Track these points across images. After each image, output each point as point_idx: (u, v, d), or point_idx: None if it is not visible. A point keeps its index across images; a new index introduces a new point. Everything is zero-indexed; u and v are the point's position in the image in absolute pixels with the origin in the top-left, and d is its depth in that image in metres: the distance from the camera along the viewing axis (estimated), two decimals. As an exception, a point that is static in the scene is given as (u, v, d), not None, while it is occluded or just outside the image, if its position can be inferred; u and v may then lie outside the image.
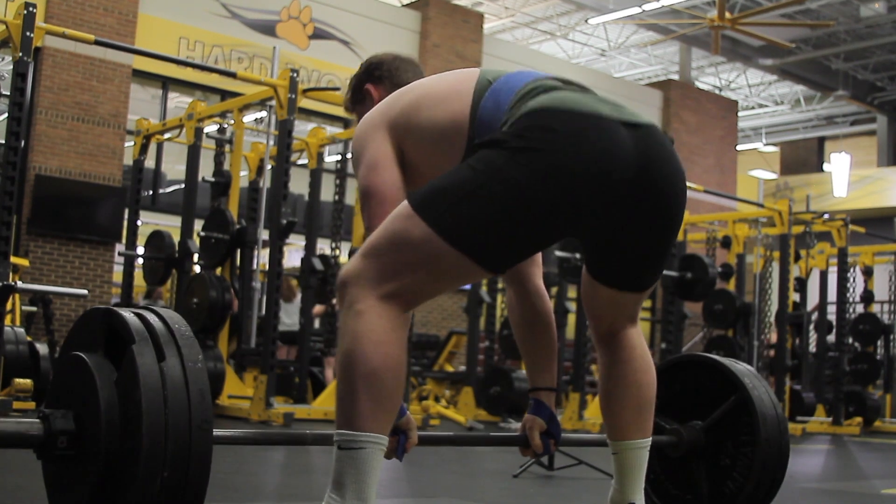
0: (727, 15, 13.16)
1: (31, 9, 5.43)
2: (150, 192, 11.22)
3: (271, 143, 7.33)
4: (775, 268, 9.90)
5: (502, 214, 1.81)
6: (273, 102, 6.79)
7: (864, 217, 14.69)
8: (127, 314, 1.82)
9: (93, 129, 10.44)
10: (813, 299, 11.22)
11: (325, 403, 6.63)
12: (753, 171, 22.22)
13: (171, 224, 8.96)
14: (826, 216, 10.31)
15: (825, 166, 22.62)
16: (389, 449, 2.11)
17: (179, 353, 1.76)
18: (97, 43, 6.15)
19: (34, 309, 8.83)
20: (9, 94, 5.40)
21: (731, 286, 10.02)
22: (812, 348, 10.90)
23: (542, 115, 1.83)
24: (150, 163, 9.77)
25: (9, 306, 5.89)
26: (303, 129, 10.12)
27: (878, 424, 10.26)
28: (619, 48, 18.32)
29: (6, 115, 5.36)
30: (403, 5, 14.34)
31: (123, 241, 8.49)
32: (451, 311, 12.70)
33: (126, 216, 8.22)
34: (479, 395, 8.30)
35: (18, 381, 5.53)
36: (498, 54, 14.62)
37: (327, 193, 8.83)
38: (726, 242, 10.31)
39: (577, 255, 7.90)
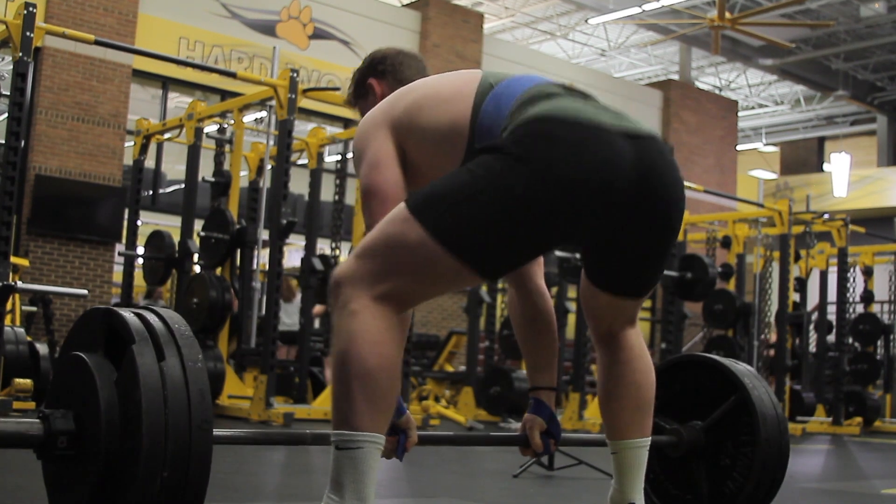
0: (727, 15, 13.16)
1: (31, 9, 5.42)
2: (150, 192, 11.22)
3: (271, 143, 7.33)
4: (775, 268, 9.90)
5: (500, 221, 1.81)
6: (273, 102, 6.79)
7: (864, 217, 14.69)
8: (127, 314, 1.82)
9: (93, 129, 10.44)
10: (813, 299, 11.22)
11: (325, 403, 6.63)
12: (753, 171, 22.23)
13: (171, 224, 8.95)
14: (826, 216, 10.31)
15: (825, 166, 22.62)
16: (389, 448, 2.11)
17: (179, 352, 1.76)
18: (97, 43, 6.15)
19: (34, 309, 8.83)
20: (9, 94, 5.40)
21: (731, 286, 10.02)
22: (812, 348, 10.90)
23: (542, 123, 1.83)
24: (150, 163, 9.77)
25: (9, 306, 5.89)
26: (303, 129, 10.12)
27: (878, 424, 10.26)
28: (619, 48, 18.32)
29: (6, 115, 5.36)
30: (403, 5, 14.34)
31: (123, 241, 8.48)
32: (451, 311, 12.69)
33: (126, 216, 8.22)
34: (479, 395, 8.30)
35: (18, 381, 5.53)
36: (498, 54, 14.61)
37: (327, 193, 8.83)
38: (726, 242, 10.31)
39: (577, 255, 7.90)
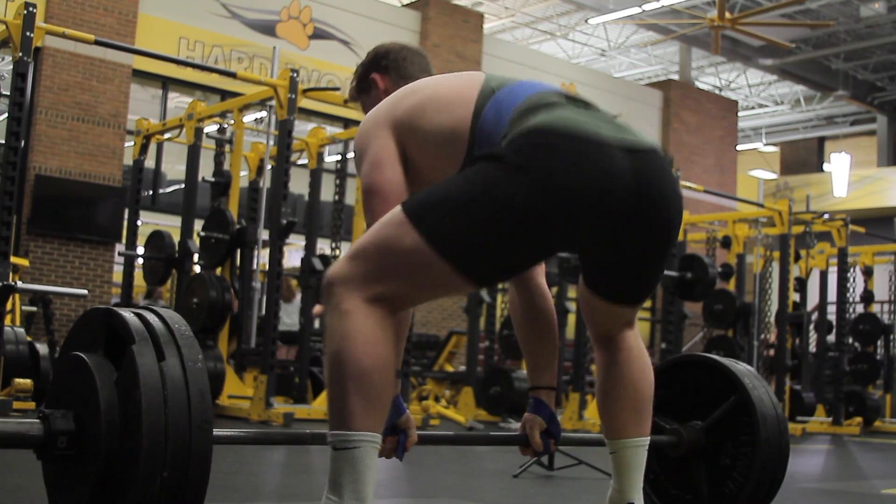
0: (727, 15, 13.16)
1: (31, 9, 5.42)
2: (150, 192, 11.22)
3: (271, 143, 7.33)
4: (775, 268, 9.90)
5: (495, 230, 1.81)
6: (273, 102, 6.79)
7: (864, 217, 14.69)
8: (127, 314, 1.82)
9: (93, 129, 10.44)
10: (813, 299, 11.22)
11: (325, 403, 6.61)
12: (753, 171, 22.23)
13: (171, 224, 8.95)
14: (826, 216, 10.31)
15: (825, 166, 22.62)
16: (389, 448, 2.11)
17: (179, 353, 1.76)
18: (97, 43, 6.15)
19: (34, 309, 8.83)
20: (9, 94, 5.40)
21: (731, 286, 10.02)
22: (812, 348, 10.90)
23: (541, 134, 1.83)
24: (150, 163, 9.77)
25: (9, 306, 5.89)
26: (303, 129, 10.12)
27: (878, 424, 10.26)
28: (619, 48, 18.32)
29: (6, 115, 5.36)
30: (403, 5, 14.34)
31: (123, 241, 8.48)
32: (451, 311, 12.69)
33: (126, 216, 8.22)
34: (479, 395, 8.30)
35: (18, 381, 5.53)
36: (498, 54, 14.61)
37: (327, 193, 8.83)
38: (726, 242, 10.31)
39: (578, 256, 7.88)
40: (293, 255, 12.19)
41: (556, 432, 2.26)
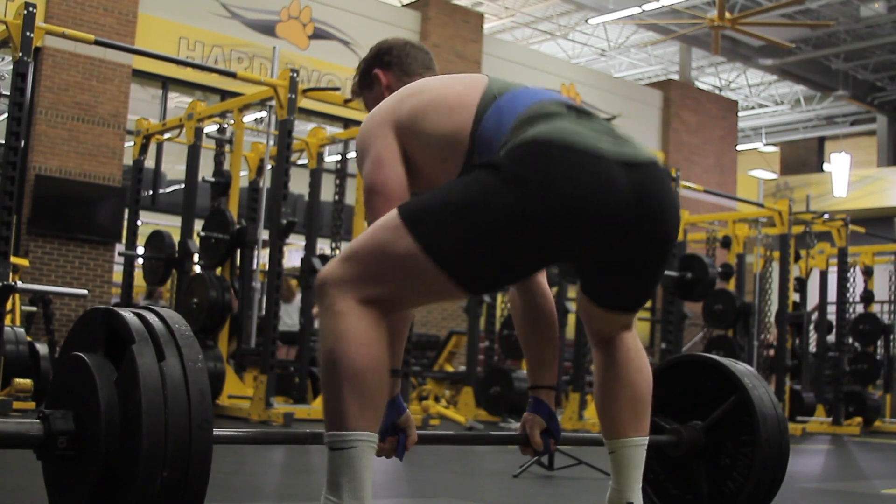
0: (727, 15, 13.16)
1: (31, 9, 5.43)
2: (150, 192, 11.22)
3: (271, 143, 7.33)
4: (775, 268, 9.90)
5: (491, 239, 1.81)
6: (273, 102, 6.79)
7: (864, 217, 14.69)
8: (127, 314, 1.82)
9: (93, 129, 10.44)
10: (813, 299, 11.22)
11: (325, 403, 6.62)
12: (753, 171, 22.23)
13: (171, 224, 8.95)
14: (826, 216, 10.31)
15: (825, 166, 22.63)
16: (389, 448, 2.11)
17: (179, 352, 1.76)
18: (97, 43, 6.15)
19: (34, 309, 8.83)
20: (9, 94, 5.40)
21: (731, 286, 10.02)
22: (812, 348, 10.90)
23: (540, 145, 1.83)
24: (150, 163, 9.77)
25: (9, 306, 5.89)
26: (303, 129, 10.12)
27: (878, 424, 10.26)
28: (619, 48, 18.33)
29: (6, 115, 5.36)
30: (403, 5, 14.34)
31: (123, 241, 8.48)
32: (451, 311, 12.69)
33: (126, 216, 8.22)
34: (479, 395, 8.30)
35: (18, 381, 5.53)
36: (498, 54, 14.61)
37: (327, 193, 8.82)
38: (726, 242, 10.31)
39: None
40: (293, 255, 12.19)
41: (556, 432, 2.26)
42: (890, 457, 7.08)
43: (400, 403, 2.12)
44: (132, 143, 8.59)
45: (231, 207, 7.38)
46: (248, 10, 12.13)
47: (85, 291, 6.22)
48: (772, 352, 10.02)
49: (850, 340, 10.83)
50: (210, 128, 8.35)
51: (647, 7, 15.29)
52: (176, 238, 7.46)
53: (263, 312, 6.82)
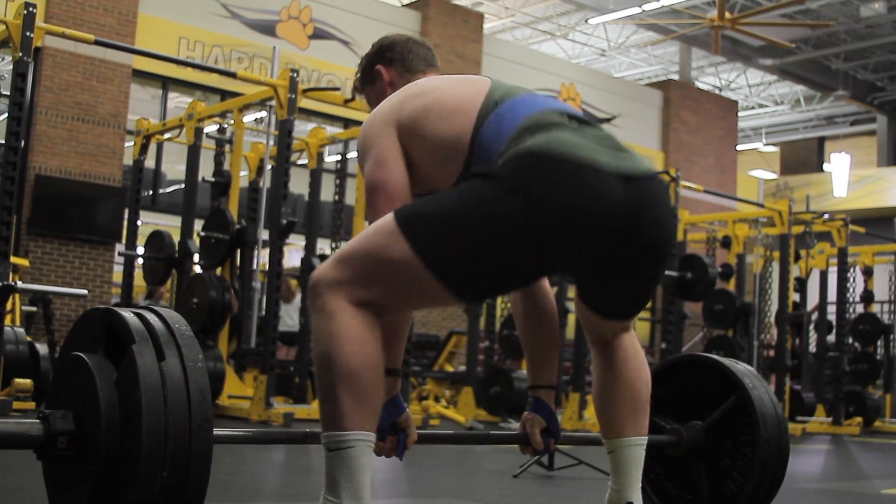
0: (727, 15, 13.16)
1: (31, 9, 5.43)
2: (150, 192, 11.22)
3: (271, 143, 7.33)
4: (775, 268, 9.90)
5: (486, 249, 1.82)
6: (273, 102, 6.79)
7: (864, 217, 14.69)
8: (127, 314, 1.82)
9: (93, 129, 10.44)
10: (813, 299, 11.22)
11: (325, 403, 6.61)
12: (753, 171, 22.23)
13: (171, 224, 8.95)
14: (826, 216, 10.31)
15: (825, 166, 22.62)
16: (389, 447, 2.11)
17: (179, 352, 1.76)
18: (97, 43, 6.15)
19: (34, 309, 8.83)
20: (9, 94, 5.40)
21: (731, 286, 10.02)
22: (812, 348, 10.90)
23: (537, 156, 1.83)
24: (150, 163, 9.77)
25: (9, 306, 5.89)
26: (303, 129, 10.12)
27: (878, 424, 10.26)
28: (619, 48, 18.33)
29: (6, 115, 5.36)
30: (403, 5, 14.34)
31: (123, 241, 8.48)
32: (451, 311, 12.69)
33: (126, 216, 8.22)
34: (479, 395, 8.30)
35: (18, 381, 5.53)
36: (498, 54, 14.61)
37: (327, 193, 8.82)
38: (726, 242, 10.31)
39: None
40: (293, 255, 12.19)
41: (556, 431, 2.26)
42: (890, 457, 7.08)
43: (400, 403, 2.12)
44: (132, 143, 8.59)
45: (231, 207, 7.38)
46: (248, 10, 12.13)
47: (85, 291, 6.22)
48: (772, 352, 10.02)
49: (850, 340, 10.83)
50: (210, 128, 8.35)
51: (647, 7, 15.29)
52: (176, 238, 7.46)
53: (263, 312, 6.82)
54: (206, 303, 6.81)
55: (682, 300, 9.15)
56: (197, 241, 7.27)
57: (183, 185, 8.10)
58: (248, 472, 3.49)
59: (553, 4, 16.52)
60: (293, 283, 8.96)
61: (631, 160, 1.91)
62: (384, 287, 1.86)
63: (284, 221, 6.42)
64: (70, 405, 1.81)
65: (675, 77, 18.59)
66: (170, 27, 11.42)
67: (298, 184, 7.95)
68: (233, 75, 6.99)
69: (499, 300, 9.00)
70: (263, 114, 8.01)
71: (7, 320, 5.72)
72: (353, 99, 6.94)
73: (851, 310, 11.01)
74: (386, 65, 2.32)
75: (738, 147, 19.22)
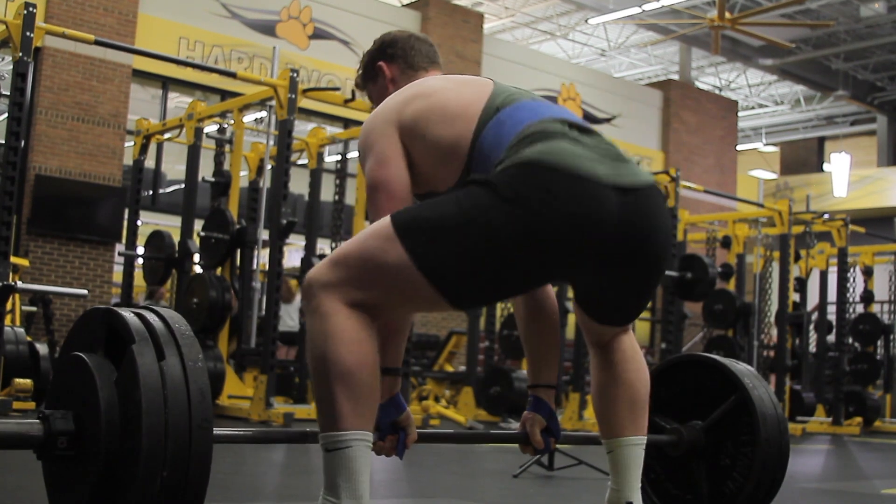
0: (727, 15, 13.16)
1: (31, 9, 5.42)
2: (150, 192, 11.22)
3: (271, 143, 7.33)
4: (775, 268, 9.90)
5: (481, 258, 1.82)
6: (273, 102, 6.79)
7: (864, 217, 14.69)
8: (127, 314, 1.82)
9: (93, 129, 10.44)
10: (813, 299, 11.22)
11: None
12: (753, 171, 22.23)
13: (171, 224, 8.95)
14: (826, 216, 10.31)
15: (825, 166, 22.62)
16: (389, 446, 2.11)
17: (179, 352, 1.75)
18: (97, 43, 6.15)
19: (34, 309, 8.83)
20: (9, 94, 5.40)
21: (731, 286, 10.02)
22: (812, 348, 10.90)
23: (535, 167, 1.84)
24: (150, 163, 9.77)
25: (9, 306, 5.89)
26: (303, 129, 10.12)
27: (878, 424, 10.26)
28: (619, 48, 18.32)
29: (6, 115, 5.36)
30: (403, 5, 14.34)
31: (123, 241, 8.48)
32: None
33: (126, 216, 8.22)
34: (479, 395, 8.30)
35: (18, 381, 5.53)
36: (498, 54, 14.60)
37: (327, 193, 8.82)
38: (726, 242, 10.31)
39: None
40: (293, 255, 12.19)
41: (556, 430, 2.27)
42: (890, 457, 7.08)
43: (400, 401, 2.12)
44: (132, 143, 8.59)
45: (231, 207, 7.38)
46: (248, 10, 12.13)
47: (85, 291, 6.22)
48: (772, 352, 10.02)
49: (850, 340, 10.83)
50: (210, 128, 8.35)
51: (647, 7, 15.29)
52: (176, 238, 7.46)
53: (263, 312, 6.82)
54: (206, 303, 6.81)
55: (682, 300, 9.15)
56: (197, 241, 7.27)
57: (183, 185, 8.10)
58: (248, 472, 3.49)
59: (553, 4, 16.52)
60: (293, 283, 8.96)
61: (630, 171, 1.92)
62: (379, 290, 1.86)
63: (284, 221, 6.42)
64: (70, 405, 1.81)
65: (675, 77, 18.59)
66: (170, 27, 11.42)
67: (298, 184, 7.95)
68: (233, 75, 6.99)
69: (499, 300, 8.98)
70: (263, 114, 8.01)
71: (7, 320, 5.72)
72: (353, 99, 6.95)
73: (851, 310, 11.01)
74: (388, 61, 2.32)
75: (738, 147, 19.22)
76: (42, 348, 6.07)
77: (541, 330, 2.27)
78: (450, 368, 10.04)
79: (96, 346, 1.86)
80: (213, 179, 7.50)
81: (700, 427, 2.58)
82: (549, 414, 2.26)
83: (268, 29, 12.26)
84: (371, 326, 1.86)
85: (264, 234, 7.20)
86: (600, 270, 1.93)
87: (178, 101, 11.85)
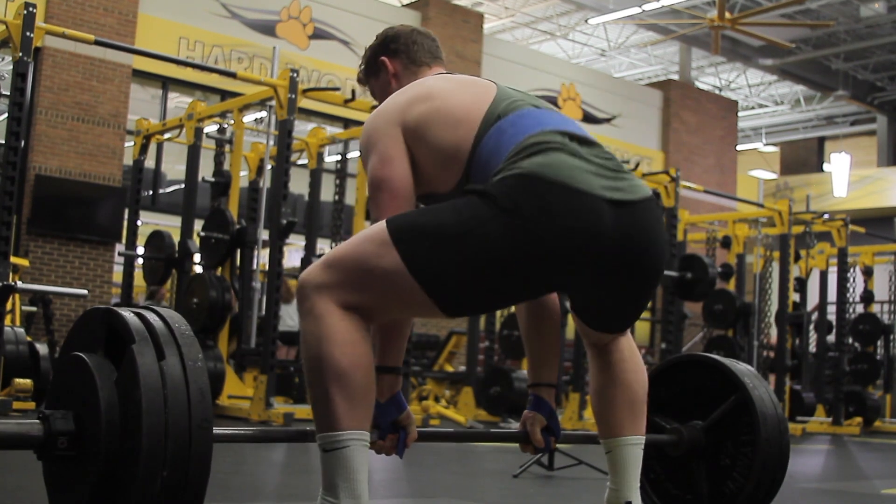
0: (727, 15, 13.16)
1: (31, 9, 5.42)
2: (150, 192, 11.22)
3: (271, 143, 7.33)
4: (775, 268, 9.90)
5: (476, 269, 1.83)
6: (273, 102, 6.79)
7: (864, 217, 14.69)
8: (127, 314, 1.82)
9: (93, 129, 10.44)
10: (813, 299, 11.22)
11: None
12: (753, 171, 22.23)
13: (171, 224, 8.95)
14: (826, 216, 10.31)
15: (825, 166, 22.63)
16: (390, 446, 2.11)
17: (179, 352, 1.75)
18: (97, 43, 6.15)
19: (34, 309, 8.83)
20: (9, 94, 5.40)
21: (731, 286, 10.02)
22: (812, 348, 10.90)
23: (534, 181, 1.84)
24: (150, 163, 9.77)
25: (9, 306, 5.89)
26: (303, 129, 10.12)
27: (878, 424, 10.26)
28: (619, 48, 18.33)
29: (6, 115, 5.36)
30: (403, 5, 14.34)
31: (123, 241, 8.48)
32: (451, 311, 12.68)
33: (126, 216, 8.23)
34: (479, 395, 8.30)
35: (18, 381, 5.53)
36: (498, 54, 14.60)
37: (327, 193, 8.82)
38: (726, 242, 10.32)
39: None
40: (293, 255, 12.19)
41: (557, 429, 2.27)
42: (890, 457, 7.08)
43: (400, 401, 2.12)
44: (132, 143, 8.59)
45: (231, 207, 7.38)
46: (248, 10, 12.13)
47: (85, 291, 6.22)
48: (772, 352, 10.02)
49: (850, 340, 10.83)
50: (210, 128, 8.35)
51: (647, 7, 15.29)
52: (176, 238, 7.46)
53: (263, 312, 6.82)
54: (206, 303, 6.81)
55: (682, 300, 9.15)
56: (197, 241, 7.27)
57: (183, 185, 8.10)
58: (248, 472, 3.49)
59: (553, 4, 16.52)
60: (293, 283, 8.96)
61: (628, 184, 1.93)
62: (372, 294, 1.86)
63: (284, 221, 6.42)
64: (70, 405, 1.81)
65: (675, 77, 18.59)
66: (170, 27, 11.42)
67: (298, 184, 7.96)
68: (233, 75, 6.99)
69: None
70: (263, 114, 8.01)
71: (7, 320, 5.72)
72: (353, 99, 6.95)
73: (851, 310, 11.01)
74: (390, 56, 2.31)
75: (738, 147, 19.22)
76: (42, 348, 6.07)
77: (542, 329, 2.28)
78: (450, 368, 10.04)
79: (96, 346, 1.86)
80: (213, 179, 7.50)
81: (700, 427, 2.58)
82: (549, 413, 2.26)
83: (268, 29, 12.26)
84: (365, 328, 1.86)
85: (264, 234, 7.20)
86: (598, 282, 1.94)
87: (178, 101, 11.85)
